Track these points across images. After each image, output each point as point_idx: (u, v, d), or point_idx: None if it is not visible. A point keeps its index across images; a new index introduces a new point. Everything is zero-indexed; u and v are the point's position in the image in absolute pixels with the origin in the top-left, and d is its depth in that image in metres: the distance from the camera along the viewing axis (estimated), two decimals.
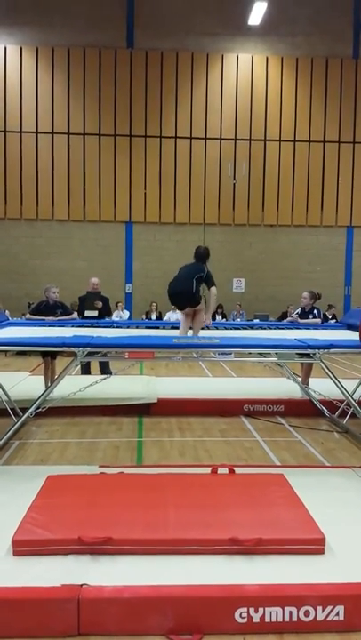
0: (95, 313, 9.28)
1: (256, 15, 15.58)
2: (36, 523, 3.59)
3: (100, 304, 9.36)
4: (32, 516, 3.68)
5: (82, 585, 3.02)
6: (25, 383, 8.55)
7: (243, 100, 17.52)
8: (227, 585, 3.08)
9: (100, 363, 9.07)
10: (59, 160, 17.18)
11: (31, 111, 17.05)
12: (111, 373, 8.43)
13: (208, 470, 4.69)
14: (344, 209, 17.96)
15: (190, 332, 6.99)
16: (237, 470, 4.68)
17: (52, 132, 17.14)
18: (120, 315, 15.26)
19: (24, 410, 6.26)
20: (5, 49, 16.84)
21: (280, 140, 17.69)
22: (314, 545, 3.47)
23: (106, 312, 9.54)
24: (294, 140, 17.73)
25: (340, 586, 3.11)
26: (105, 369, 9.21)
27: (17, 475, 5.02)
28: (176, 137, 17.17)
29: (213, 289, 6.79)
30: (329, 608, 3.01)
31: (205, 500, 4.00)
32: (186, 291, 6.64)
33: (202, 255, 6.84)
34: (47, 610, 2.95)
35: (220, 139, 17.53)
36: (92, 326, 8.13)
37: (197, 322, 6.96)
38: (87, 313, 9.24)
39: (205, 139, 17.43)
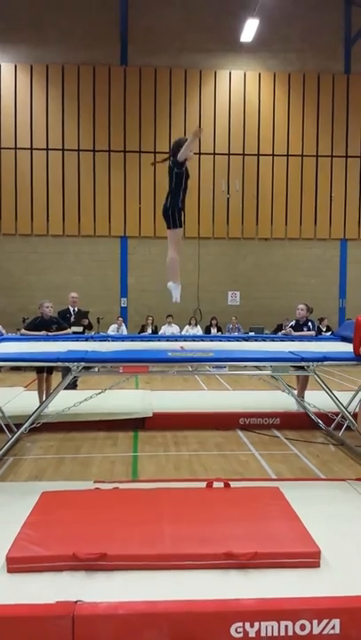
0: (80, 328, 10.03)
1: (248, 32, 15.76)
2: (30, 539, 3.57)
3: (86, 321, 10.23)
4: (26, 533, 3.66)
5: (76, 601, 3.00)
6: (19, 399, 8.53)
7: (236, 116, 17.68)
8: (222, 600, 3.06)
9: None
10: (53, 176, 17.26)
11: (26, 128, 17.16)
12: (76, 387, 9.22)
13: (203, 485, 4.68)
14: (337, 222, 18.08)
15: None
16: (233, 484, 4.67)
17: (47, 149, 17.23)
18: (121, 329, 15.27)
19: (19, 425, 6.25)
20: (0, 66, 16.98)
21: (273, 155, 17.83)
22: (309, 558, 3.46)
23: (89, 326, 10.47)
24: (287, 155, 17.87)
25: (336, 599, 3.10)
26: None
27: (11, 491, 4.99)
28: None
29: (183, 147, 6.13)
30: (325, 622, 2.99)
31: (201, 514, 3.99)
32: (165, 207, 6.39)
33: (173, 152, 6.25)
34: (42, 627, 2.92)
35: (214, 153, 17.65)
36: (86, 341, 8.15)
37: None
38: (73, 328, 9.64)
39: (199, 154, 17.49)
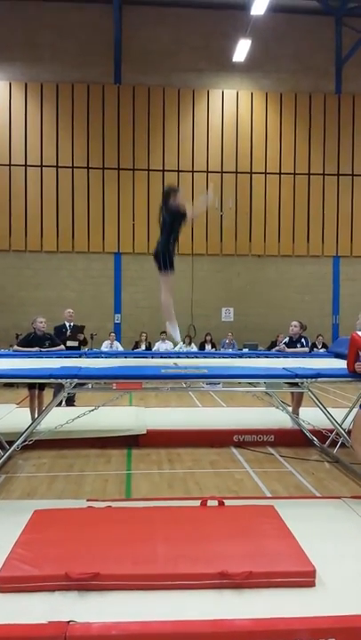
0: (76, 343, 10.16)
1: (241, 52, 15.96)
2: (22, 558, 3.52)
3: (82, 336, 10.36)
4: (18, 552, 3.61)
5: (69, 622, 2.95)
6: (12, 415, 8.47)
7: (229, 134, 17.86)
8: (217, 620, 3.02)
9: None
10: (47, 192, 17.32)
11: (20, 145, 17.25)
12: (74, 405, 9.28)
13: (198, 503, 4.64)
14: (330, 239, 18.20)
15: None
16: (227, 502, 4.63)
17: (41, 165, 17.31)
18: (115, 346, 15.24)
19: (11, 443, 6.19)
20: None
21: (266, 173, 17.98)
22: (305, 577, 3.43)
23: (84, 342, 10.62)
24: (280, 173, 18.03)
25: (332, 619, 3.06)
26: (69, 401, 9.61)
27: (3, 509, 4.93)
28: (164, 170, 17.39)
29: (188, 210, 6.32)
30: None
31: (195, 533, 3.95)
32: (156, 250, 6.46)
33: (164, 200, 6.39)
34: None
35: (207, 171, 17.78)
36: (80, 357, 8.13)
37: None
38: (69, 343, 9.78)
39: (192, 171, 17.68)
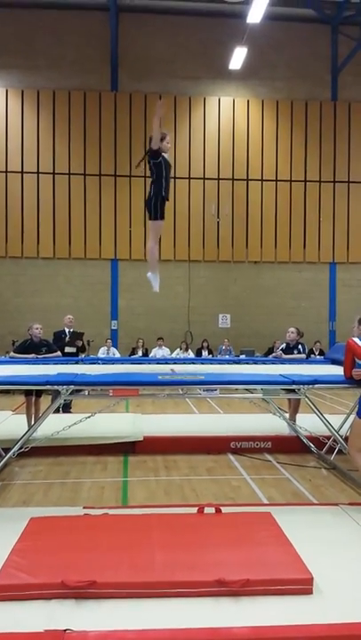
0: (74, 349, 10.10)
1: (237, 60, 16.01)
2: (18, 567, 3.50)
3: (80, 342, 10.30)
4: (14, 560, 3.59)
5: (65, 630, 2.94)
6: (7, 422, 8.44)
7: (225, 141, 17.91)
8: (214, 628, 3.01)
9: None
10: (44, 199, 17.33)
11: (17, 151, 17.27)
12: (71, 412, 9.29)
13: (194, 510, 4.62)
14: (326, 246, 18.25)
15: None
16: (224, 509, 4.62)
17: (38, 172, 17.32)
18: (112, 352, 15.23)
19: (7, 450, 6.17)
20: None
21: (262, 180, 18.03)
22: (302, 585, 3.41)
23: (82, 348, 10.55)
24: (276, 180, 18.08)
25: (330, 627, 3.05)
26: (65, 408, 9.52)
27: None
28: None
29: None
30: None
31: (192, 540, 3.94)
32: (148, 197, 6.53)
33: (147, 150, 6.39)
34: None
35: (204, 178, 17.83)
36: (76, 363, 8.12)
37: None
38: (67, 349, 9.75)
39: (189, 178, 17.72)
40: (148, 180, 6.73)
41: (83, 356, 10.22)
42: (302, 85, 18.03)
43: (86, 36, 17.22)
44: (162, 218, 6.58)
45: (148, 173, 6.60)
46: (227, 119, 17.91)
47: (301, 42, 17.80)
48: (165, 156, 6.39)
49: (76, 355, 9.94)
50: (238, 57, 15.80)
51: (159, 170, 6.36)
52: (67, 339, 10.11)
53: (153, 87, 17.44)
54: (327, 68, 18.12)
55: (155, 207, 6.50)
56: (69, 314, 10.82)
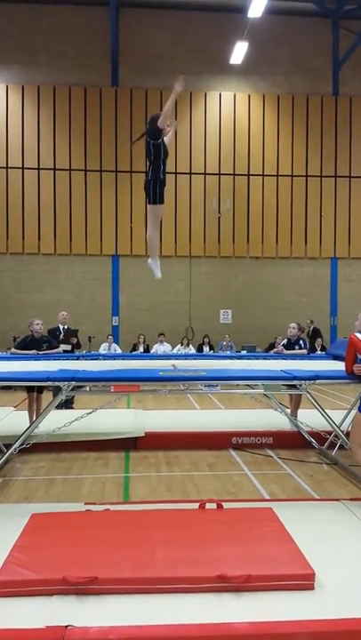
0: (69, 347, 9.96)
1: (238, 55, 15.96)
2: (19, 563, 3.50)
3: (75, 340, 10.20)
4: (15, 556, 3.59)
5: (67, 626, 2.94)
6: (9, 418, 8.44)
7: (226, 136, 17.87)
8: (216, 624, 3.01)
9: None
10: (45, 195, 17.31)
11: (17, 147, 17.24)
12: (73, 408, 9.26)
13: (196, 506, 4.62)
14: (328, 241, 18.21)
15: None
16: (226, 505, 4.62)
17: (38, 168, 17.30)
18: (113, 348, 15.23)
19: (8, 446, 6.17)
20: None
21: (263, 175, 17.99)
22: (304, 581, 3.41)
23: (77, 345, 10.41)
24: (277, 175, 18.04)
25: (331, 622, 3.05)
26: (67, 403, 9.51)
27: (0, 513, 4.91)
28: None
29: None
30: None
31: (193, 536, 3.94)
32: (146, 182, 6.45)
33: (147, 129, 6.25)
34: None
35: (205, 173, 17.79)
36: (78, 359, 8.10)
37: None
38: (62, 346, 9.56)
39: (190, 174, 17.69)
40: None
41: (83, 352, 10.15)
42: (303, 80, 17.98)
43: (87, 31, 17.17)
44: (161, 202, 6.52)
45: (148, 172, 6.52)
46: (228, 114, 17.86)
47: (302, 36, 17.74)
48: (165, 140, 6.30)
49: (71, 352, 9.74)
50: (239, 52, 15.76)
51: (157, 152, 6.26)
52: (61, 336, 9.92)
53: (153, 82, 17.38)
54: (328, 63, 18.06)
55: (154, 191, 6.45)
56: (70, 310, 10.77)
